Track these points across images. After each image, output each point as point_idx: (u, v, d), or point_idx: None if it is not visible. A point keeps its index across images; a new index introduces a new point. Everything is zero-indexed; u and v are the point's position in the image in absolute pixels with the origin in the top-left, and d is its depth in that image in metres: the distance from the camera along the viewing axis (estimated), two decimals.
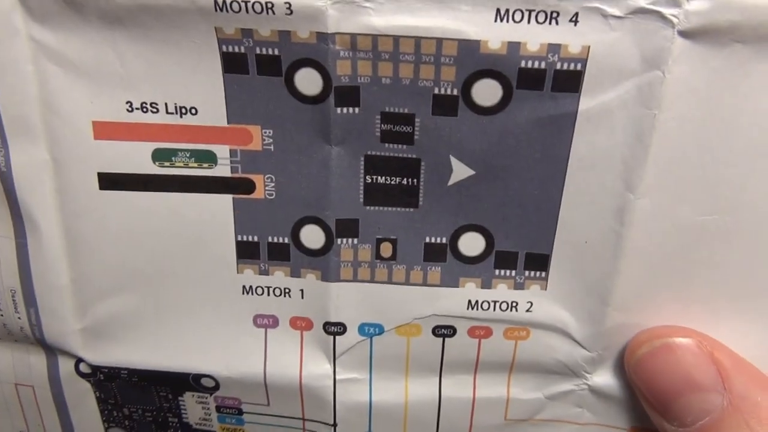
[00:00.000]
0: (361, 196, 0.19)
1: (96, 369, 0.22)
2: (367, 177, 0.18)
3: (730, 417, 0.17)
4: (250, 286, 0.20)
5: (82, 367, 0.22)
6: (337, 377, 0.21)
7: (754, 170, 0.18)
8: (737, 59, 0.16)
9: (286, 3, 0.16)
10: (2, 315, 0.21)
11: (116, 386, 0.23)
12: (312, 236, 0.19)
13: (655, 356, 0.19)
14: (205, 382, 0.22)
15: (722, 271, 0.19)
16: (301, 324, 0.21)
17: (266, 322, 0.21)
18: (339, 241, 0.19)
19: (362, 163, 0.18)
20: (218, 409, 0.23)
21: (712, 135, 0.17)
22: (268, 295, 0.20)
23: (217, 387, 0.22)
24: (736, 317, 0.20)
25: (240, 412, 0.23)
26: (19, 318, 0.21)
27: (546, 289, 0.20)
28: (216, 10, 0.16)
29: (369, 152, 0.18)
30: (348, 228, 0.19)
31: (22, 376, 0.23)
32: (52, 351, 0.22)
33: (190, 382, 0.22)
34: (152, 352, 0.21)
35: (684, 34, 0.16)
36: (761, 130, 0.17)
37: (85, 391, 0.23)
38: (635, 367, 0.19)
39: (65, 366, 0.22)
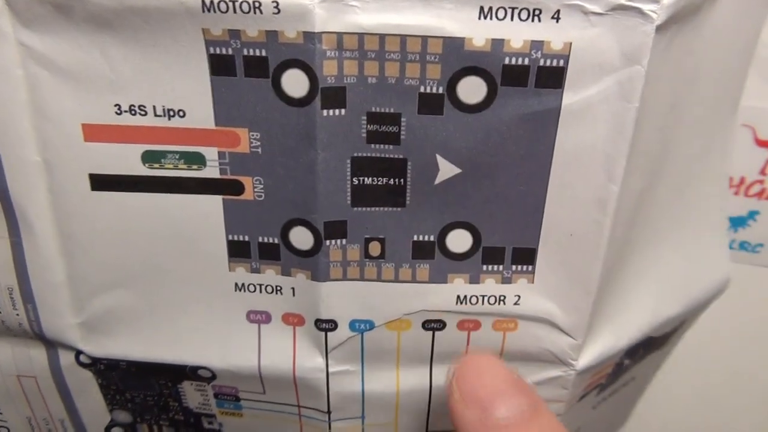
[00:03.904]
0: (349, 197, 0.19)
1: (96, 360, 0.22)
2: (354, 179, 0.18)
3: None
4: (243, 284, 0.21)
5: (83, 358, 0.23)
6: (330, 370, 0.21)
7: (677, 141, 0.20)
8: (688, 41, 0.18)
9: (273, 2, 0.16)
10: (0, 312, 0.22)
11: (117, 375, 0.23)
12: (301, 238, 0.19)
13: None
14: (202, 372, 0.22)
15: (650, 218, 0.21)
16: (293, 320, 0.21)
17: (259, 317, 0.21)
18: (327, 242, 0.19)
19: (349, 165, 0.18)
20: (216, 395, 0.23)
21: (669, 120, 0.19)
22: (260, 292, 0.21)
23: (214, 377, 0.23)
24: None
25: (237, 399, 0.23)
26: (17, 314, 0.22)
27: (533, 282, 0.20)
28: (204, 10, 0.16)
29: (355, 154, 0.18)
30: (336, 229, 0.19)
31: (24, 368, 0.23)
32: (51, 344, 0.23)
33: (188, 372, 0.22)
34: (149, 345, 0.22)
35: (659, 28, 0.16)
36: (702, 107, 0.19)
37: (87, 379, 0.23)
38: None
39: (66, 358, 0.23)
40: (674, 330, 0.26)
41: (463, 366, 0.18)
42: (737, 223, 0.27)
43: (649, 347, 0.26)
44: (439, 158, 0.18)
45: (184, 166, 0.19)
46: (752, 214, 0.27)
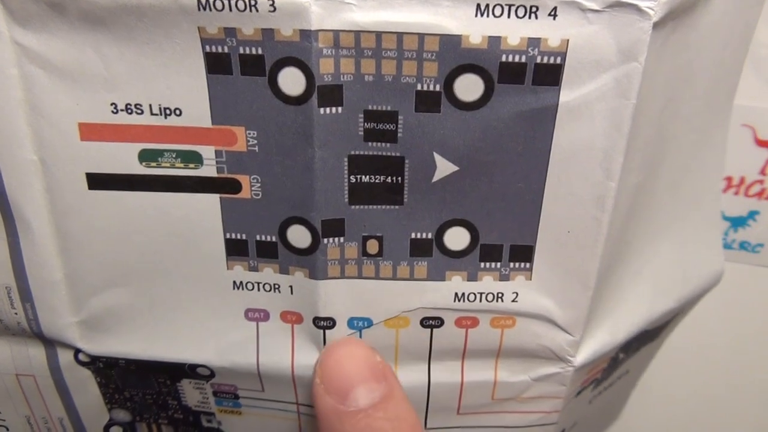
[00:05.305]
0: (346, 196, 0.19)
1: (95, 358, 0.22)
2: (351, 177, 0.18)
3: None
4: (241, 282, 0.21)
5: (81, 357, 0.23)
6: None
7: (672, 136, 0.20)
8: (684, 36, 0.18)
9: (269, 0, 0.16)
10: None
11: (116, 373, 0.23)
12: (298, 236, 0.19)
13: None
14: (200, 371, 0.22)
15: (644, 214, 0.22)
16: (292, 318, 0.21)
17: (257, 315, 0.21)
18: (325, 240, 0.19)
19: (346, 163, 0.18)
20: (215, 394, 0.24)
21: (665, 116, 0.19)
22: (258, 290, 0.21)
23: (212, 375, 0.23)
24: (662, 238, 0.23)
25: (236, 397, 0.23)
26: (15, 313, 0.22)
27: (531, 279, 0.20)
28: (199, 9, 0.16)
29: (353, 152, 0.18)
30: (334, 228, 0.19)
31: (23, 367, 0.23)
32: (50, 343, 0.22)
33: (186, 370, 0.22)
34: (148, 344, 0.22)
35: (656, 25, 0.16)
36: (697, 102, 0.20)
37: (86, 378, 0.23)
38: None
39: (64, 356, 0.23)
40: (667, 322, 0.27)
41: (325, 354, 0.20)
42: (737, 223, 0.27)
43: (643, 340, 0.26)
44: (436, 156, 0.18)
45: (181, 165, 0.19)
46: (752, 214, 0.27)
